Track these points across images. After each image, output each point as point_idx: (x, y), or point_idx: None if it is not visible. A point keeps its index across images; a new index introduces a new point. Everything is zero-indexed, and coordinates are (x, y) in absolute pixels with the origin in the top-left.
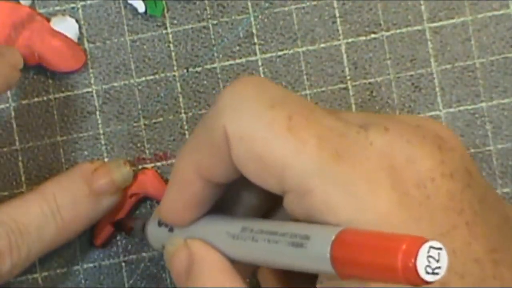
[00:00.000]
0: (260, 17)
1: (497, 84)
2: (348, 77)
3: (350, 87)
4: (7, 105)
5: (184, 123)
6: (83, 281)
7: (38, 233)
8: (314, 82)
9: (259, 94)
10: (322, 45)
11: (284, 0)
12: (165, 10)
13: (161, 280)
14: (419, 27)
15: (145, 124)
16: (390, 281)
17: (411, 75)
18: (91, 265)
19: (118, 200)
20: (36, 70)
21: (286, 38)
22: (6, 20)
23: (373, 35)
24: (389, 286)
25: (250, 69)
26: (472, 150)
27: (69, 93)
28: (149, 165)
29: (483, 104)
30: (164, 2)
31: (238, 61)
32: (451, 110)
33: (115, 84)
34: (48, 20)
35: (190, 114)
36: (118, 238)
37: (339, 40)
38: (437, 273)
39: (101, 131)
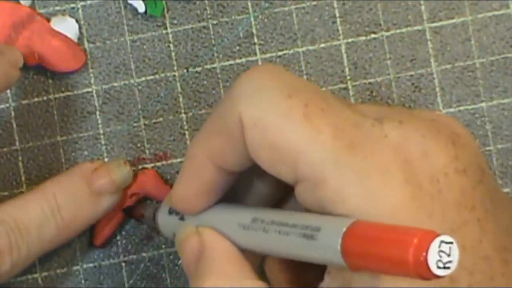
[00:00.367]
0: (260, 17)
1: (497, 84)
2: (348, 77)
3: (350, 87)
4: (7, 105)
5: (184, 123)
6: (83, 281)
7: (38, 232)
8: (314, 82)
9: (276, 82)
10: (322, 45)
11: (284, 0)
12: (165, 10)
13: (161, 280)
14: (419, 27)
15: (145, 124)
16: (401, 275)
17: (411, 75)
18: (91, 265)
19: (118, 200)
20: (36, 70)
21: (286, 38)
22: (6, 20)
23: (373, 35)
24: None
25: None
26: None
27: (69, 93)
28: (149, 165)
29: (483, 104)
30: (164, 2)
31: (238, 61)
32: (451, 110)
33: (115, 84)
34: (48, 20)
35: (190, 114)
36: (118, 238)
37: (339, 40)
38: (448, 268)
39: (101, 131)
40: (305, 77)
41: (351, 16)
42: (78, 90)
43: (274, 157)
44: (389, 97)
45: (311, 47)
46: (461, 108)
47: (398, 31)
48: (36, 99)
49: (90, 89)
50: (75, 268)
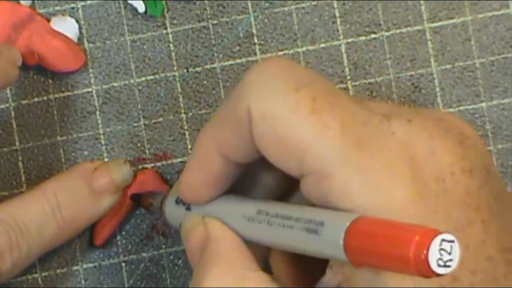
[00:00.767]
0: (260, 17)
1: (497, 84)
2: (348, 77)
3: (350, 87)
4: (7, 105)
5: (184, 123)
6: (83, 281)
7: (38, 231)
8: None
9: (285, 75)
10: (322, 45)
11: (284, 0)
12: (165, 10)
13: (161, 280)
14: (419, 27)
15: (145, 124)
16: (402, 272)
17: (411, 75)
18: (91, 265)
19: (118, 200)
20: (36, 70)
21: (286, 38)
22: (6, 20)
23: (373, 35)
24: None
25: None
26: None
27: (69, 93)
28: (149, 165)
29: (483, 104)
30: (164, 2)
31: (238, 61)
32: (451, 110)
33: (115, 84)
34: (48, 20)
35: (190, 114)
36: (118, 238)
37: (339, 40)
38: (449, 266)
39: (101, 131)
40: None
41: (351, 16)
42: (78, 90)
43: (281, 150)
44: (389, 97)
45: (311, 47)
46: (461, 108)
47: (398, 31)
48: (36, 99)
49: (90, 89)
50: (75, 268)
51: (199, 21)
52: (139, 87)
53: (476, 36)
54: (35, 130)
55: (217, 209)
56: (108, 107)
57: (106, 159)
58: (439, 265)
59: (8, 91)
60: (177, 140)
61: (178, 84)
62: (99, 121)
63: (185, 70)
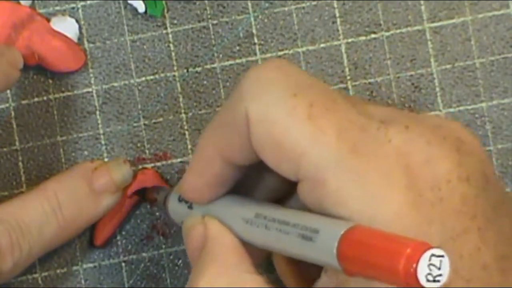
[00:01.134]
0: (260, 17)
1: (497, 84)
2: (348, 77)
3: (350, 87)
4: (7, 105)
5: (184, 123)
6: (83, 281)
7: (39, 231)
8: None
9: (283, 79)
10: (322, 45)
11: (284, 0)
12: (165, 10)
13: (161, 280)
14: (419, 27)
15: (145, 124)
16: (392, 284)
17: (411, 75)
18: (91, 265)
19: (118, 199)
20: (36, 70)
21: (286, 38)
22: (6, 20)
23: (373, 35)
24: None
25: None
26: None
27: (69, 93)
28: (149, 165)
29: (483, 104)
30: (164, 2)
31: (238, 61)
32: (451, 110)
33: (115, 84)
34: (48, 20)
35: (190, 114)
36: (118, 238)
37: (339, 40)
38: (438, 281)
39: (101, 131)
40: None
41: (351, 16)
42: (78, 90)
43: (278, 154)
44: (389, 97)
45: (311, 47)
46: (461, 108)
47: (398, 31)
48: (36, 99)
49: (90, 89)
50: (75, 268)
51: (199, 21)
52: (139, 87)
53: (476, 36)
54: (35, 130)
55: (218, 210)
56: (108, 107)
57: (106, 159)
58: (428, 280)
59: (8, 91)
60: (177, 140)
61: (178, 84)
62: (99, 121)
63: (185, 70)
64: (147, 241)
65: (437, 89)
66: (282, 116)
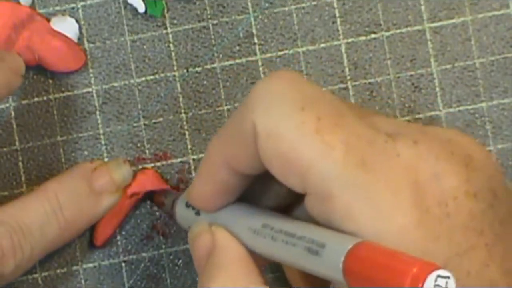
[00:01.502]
0: (260, 17)
1: (497, 84)
2: (348, 77)
3: (350, 87)
4: (7, 105)
5: (184, 123)
6: (83, 281)
7: (40, 232)
8: (314, 82)
9: (290, 92)
10: (322, 45)
11: (284, 0)
12: (165, 10)
13: (161, 280)
14: (419, 27)
15: (145, 124)
16: None
17: (411, 75)
18: (91, 265)
19: (118, 199)
20: (36, 70)
21: (286, 38)
22: (6, 20)
23: (373, 35)
24: None
25: (250, 69)
26: None
27: (69, 93)
28: (149, 165)
29: (483, 104)
30: (164, 2)
31: (238, 61)
32: (451, 110)
33: (115, 84)
34: (48, 20)
35: (190, 114)
36: (118, 238)
37: (339, 40)
38: None
39: (101, 131)
40: (305, 77)
41: (351, 16)
42: (78, 90)
43: (285, 168)
44: (389, 97)
45: (311, 47)
46: (461, 108)
47: (398, 31)
48: (36, 99)
49: (90, 89)
50: (75, 268)
51: (199, 21)
52: (139, 87)
53: (476, 36)
54: (35, 130)
55: (225, 218)
56: (108, 107)
57: (106, 159)
58: None
59: None
60: (177, 140)
61: (178, 84)
62: (99, 121)
63: (185, 70)
64: (147, 241)
65: (437, 89)
66: (290, 130)
